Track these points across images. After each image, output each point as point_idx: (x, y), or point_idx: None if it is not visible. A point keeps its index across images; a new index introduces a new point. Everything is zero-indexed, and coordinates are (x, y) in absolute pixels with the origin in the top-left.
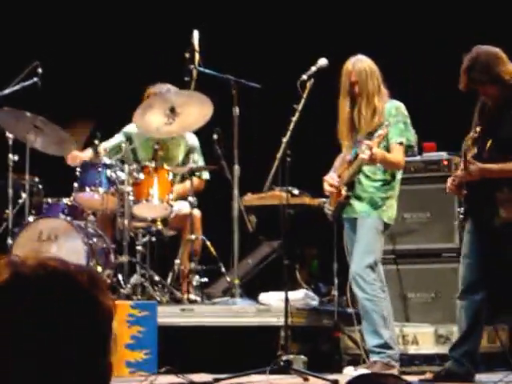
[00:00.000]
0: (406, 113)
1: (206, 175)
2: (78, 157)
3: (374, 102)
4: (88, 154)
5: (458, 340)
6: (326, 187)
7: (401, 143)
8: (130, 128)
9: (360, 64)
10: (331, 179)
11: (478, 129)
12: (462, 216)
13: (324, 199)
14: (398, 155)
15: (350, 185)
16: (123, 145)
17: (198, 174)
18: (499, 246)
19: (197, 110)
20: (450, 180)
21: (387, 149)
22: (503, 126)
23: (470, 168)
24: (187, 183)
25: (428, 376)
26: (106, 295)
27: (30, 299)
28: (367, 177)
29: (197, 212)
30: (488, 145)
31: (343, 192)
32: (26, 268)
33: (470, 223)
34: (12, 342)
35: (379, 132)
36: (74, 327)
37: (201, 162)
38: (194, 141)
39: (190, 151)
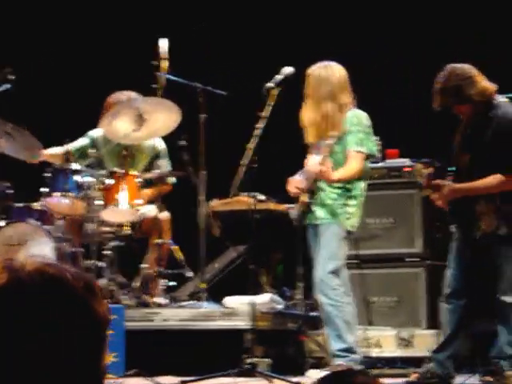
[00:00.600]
0: (367, 122)
1: (172, 179)
2: (43, 154)
3: (324, 108)
4: (54, 151)
5: (443, 343)
6: (289, 188)
7: (359, 152)
8: (96, 133)
9: (317, 69)
10: (294, 181)
11: (458, 138)
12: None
13: (289, 205)
14: (352, 164)
15: (311, 192)
16: (89, 150)
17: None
18: (480, 258)
19: (164, 116)
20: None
21: (344, 155)
22: (478, 142)
23: (442, 191)
24: (154, 189)
25: (413, 377)
26: (100, 302)
27: (27, 304)
28: (329, 184)
29: (165, 215)
30: (465, 160)
31: (304, 199)
32: (24, 273)
33: (456, 236)
34: (13, 343)
35: (326, 142)
36: (73, 329)
37: (168, 167)
38: (161, 146)
39: (156, 156)
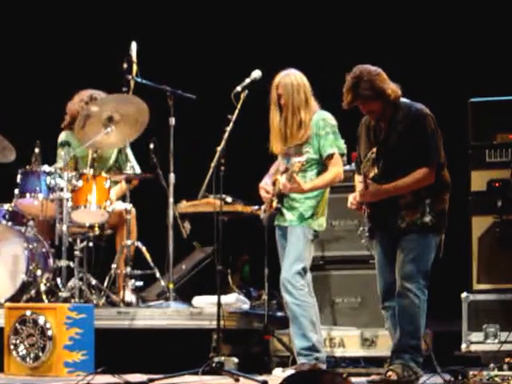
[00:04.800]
0: (333, 122)
1: (137, 169)
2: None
3: (300, 115)
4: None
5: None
6: (263, 194)
7: (334, 154)
8: (63, 136)
9: (287, 78)
10: (267, 186)
11: (374, 149)
12: (367, 235)
13: (256, 207)
14: (334, 168)
15: (281, 196)
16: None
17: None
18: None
19: (134, 119)
20: (351, 197)
21: (321, 161)
22: (390, 143)
23: (369, 189)
24: (122, 185)
25: (374, 377)
26: None
27: None
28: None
29: (132, 211)
30: (383, 164)
31: (274, 204)
32: None
33: (377, 239)
34: None
35: (298, 159)
36: None
37: (132, 157)
38: None
39: (120, 150)
